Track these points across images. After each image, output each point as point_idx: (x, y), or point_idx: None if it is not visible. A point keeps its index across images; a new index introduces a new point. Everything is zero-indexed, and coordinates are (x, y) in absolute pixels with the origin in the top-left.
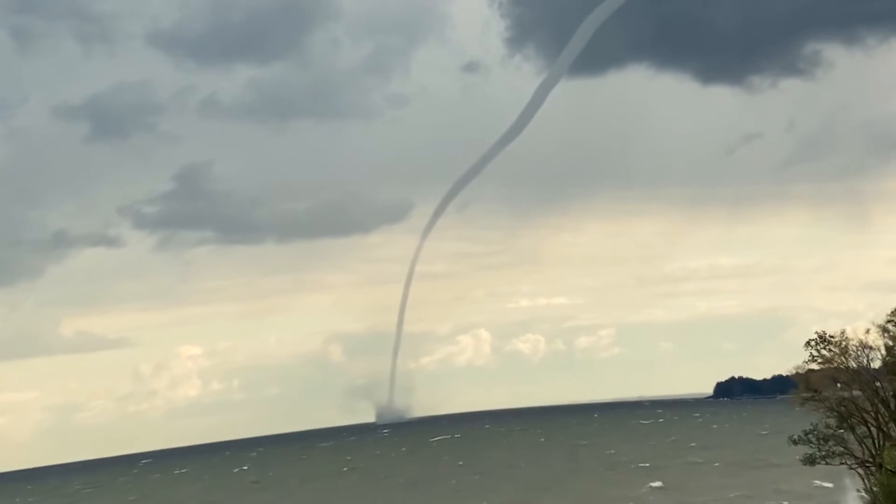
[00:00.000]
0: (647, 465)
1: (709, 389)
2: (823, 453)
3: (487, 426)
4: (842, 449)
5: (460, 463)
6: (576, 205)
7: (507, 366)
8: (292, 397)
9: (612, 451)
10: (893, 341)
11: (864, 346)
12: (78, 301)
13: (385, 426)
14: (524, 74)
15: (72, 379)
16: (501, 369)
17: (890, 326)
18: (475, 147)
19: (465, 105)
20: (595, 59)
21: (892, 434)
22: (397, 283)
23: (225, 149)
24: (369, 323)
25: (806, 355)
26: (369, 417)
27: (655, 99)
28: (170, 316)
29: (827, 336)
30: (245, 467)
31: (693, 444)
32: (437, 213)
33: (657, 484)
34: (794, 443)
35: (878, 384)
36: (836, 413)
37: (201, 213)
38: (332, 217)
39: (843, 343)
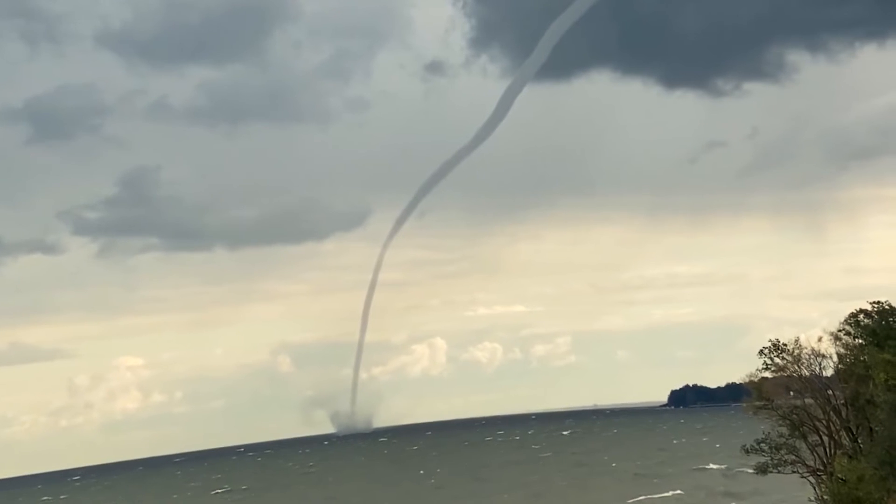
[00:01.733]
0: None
1: (663, 397)
2: (776, 462)
3: (466, 442)
4: (794, 457)
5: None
6: (535, 213)
7: (464, 375)
8: (239, 410)
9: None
10: (846, 349)
11: (816, 354)
12: (12, 311)
13: (346, 437)
14: (489, 76)
15: (2, 392)
16: (457, 378)
17: (842, 335)
18: (438, 152)
19: (428, 108)
20: (560, 64)
21: (844, 443)
22: (351, 291)
23: (174, 153)
24: (321, 333)
25: (759, 363)
26: (326, 428)
27: (620, 104)
28: (110, 326)
29: (780, 344)
30: (206, 481)
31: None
32: (401, 219)
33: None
34: (747, 452)
35: (829, 392)
36: (788, 421)
37: (146, 219)
38: (284, 224)
39: (797, 351)
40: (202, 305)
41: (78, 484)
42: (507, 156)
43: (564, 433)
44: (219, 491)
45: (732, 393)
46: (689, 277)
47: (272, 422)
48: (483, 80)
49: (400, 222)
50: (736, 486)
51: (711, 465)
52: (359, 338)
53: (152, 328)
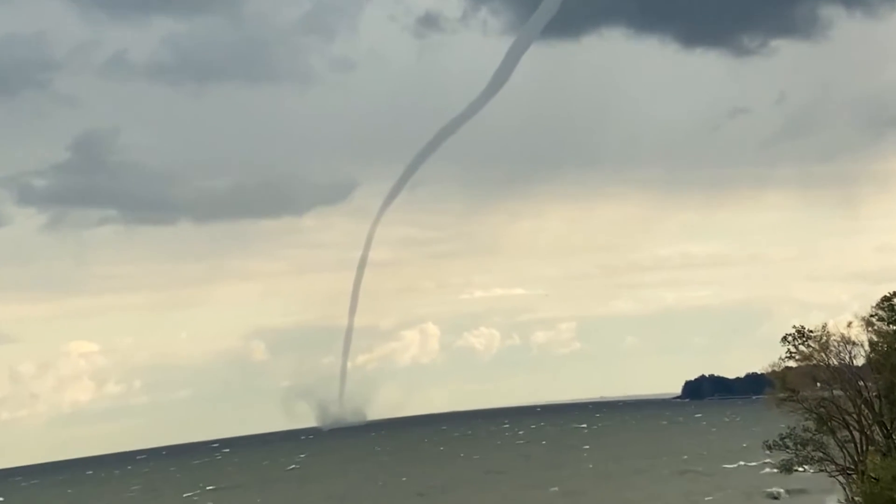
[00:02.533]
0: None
1: (677, 389)
2: (801, 459)
3: (470, 432)
4: (821, 454)
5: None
6: (538, 187)
7: (457, 363)
8: (207, 401)
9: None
10: (878, 336)
11: (846, 341)
12: None
13: (333, 432)
14: (490, 32)
15: None
16: (450, 367)
17: (874, 320)
18: (432, 119)
19: (421, 69)
20: (568, 19)
21: (876, 438)
22: (334, 271)
23: (133, 114)
24: (300, 317)
25: (783, 351)
26: (307, 422)
27: (633, 65)
28: (60, 307)
29: (806, 330)
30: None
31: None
32: (394, 192)
33: None
34: (770, 448)
35: (861, 383)
36: (815, 415)
37: (103, 187)
38: (259, 196)
39: (824, 338)
40: (166, 285)
41: (21, 485)
42: (509, 124)
43: (580, 426)
44: (189, 494)
45: (753, 384)
46: (706, 257)
47: (245, 415)
48: (483, 38)
49: (392, 195)
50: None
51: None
52: (347, 322)
53: (108, 310)
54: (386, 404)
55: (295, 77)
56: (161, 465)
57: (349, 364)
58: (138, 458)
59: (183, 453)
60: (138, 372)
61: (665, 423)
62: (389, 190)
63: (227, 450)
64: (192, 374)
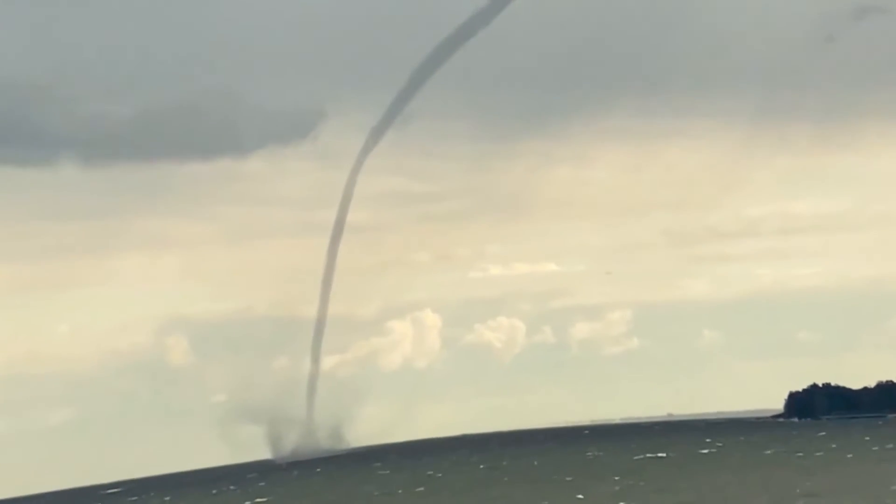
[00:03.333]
0: None
1: (778, 404)
2: None
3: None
4: None
5: None
6: (579, 122)
7: (466, 367)
8: (100, 425)
9: None
10: None
11: None
12: None
13: (295, 464)
14: None
15: None
16: (457, 372)
17: None
18: (434, 22)
19: None
20: None
21: None
22: (289, 237)
23: None
24: (238, 302)
25: None
26: (255, 454)
27: None
28: None
29: None
30: None
31: None
32: (382, 127)
33: None
34: None
35: None
36: None
37: None
38: (181, 128)
39: None
40: (38, 255)
41: None
42: (538, 31)
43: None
44: None
45: (888, 397)
46: (816, 219)
47: (158, 446)
48: None
49: (379, 132)
50: None
51: None
52: (317, 309)
53: None
54: (374, 426)
55: None
56: None
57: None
58: None
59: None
60: None
61: (769, 452)
62: (376, 123)
63: (134, 498)
64: (77, 386)
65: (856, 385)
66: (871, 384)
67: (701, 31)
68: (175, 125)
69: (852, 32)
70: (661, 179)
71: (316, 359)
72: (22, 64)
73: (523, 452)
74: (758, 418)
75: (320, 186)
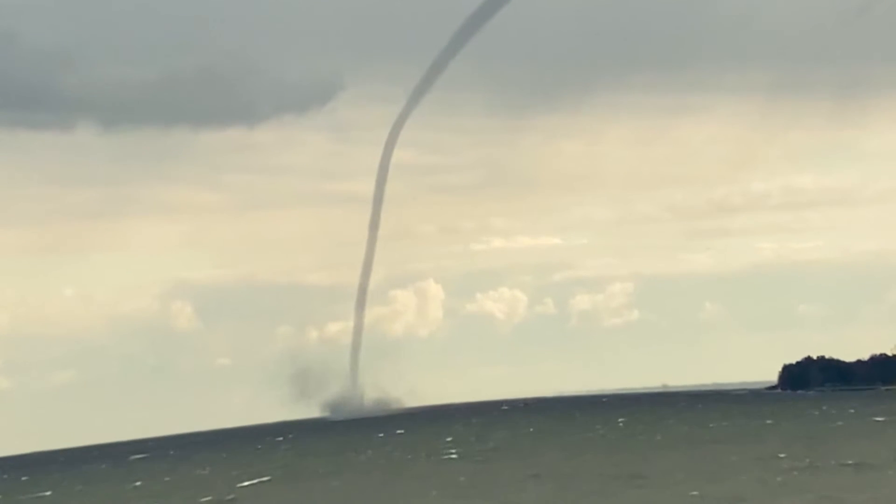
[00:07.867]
0: None
1: (772, 376)
2: None
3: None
4: None
5: None
6: (592, 96)
7: (468, 337)
8: (103, 388)
9: None
10: None
11: None
12: None
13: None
14: None
15: None
16: (458, 342)
17: None
18: None
19: None
20: None
21: None
22: (297, 206)
23: None
24: (245, 268)
25: None
26: (278, 415)
27: None
28: None
29: None
30: None
31: None
32: (414, 99)
33: None
34: None
35: None
36: None
37: None
38: (195, 94)
39: None
40: (48, 218)
41: None
42: (556, 6)
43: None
44: None
45: (881, 370)
46: (820, 193)
47: (164, 407)
48: None
49: (412, 104)
50: None
51: None
52: (360, 275)
53: None
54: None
55: None
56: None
57: (315, 334)
58: None
59: (62, 461)
60: None
61: (770, 421)
62: (410, 94)
63: (143, 455)
64: (81, 349)
65: (851, 357)
66: (866, 357)
67: (724, 4)
68: (192, 92)
69: (886, 3)
70: (669, 154)
71: (359, 323)
72: (35, 27)
73: (518, 420)
74: (751, 389)
75: (332, 157)
